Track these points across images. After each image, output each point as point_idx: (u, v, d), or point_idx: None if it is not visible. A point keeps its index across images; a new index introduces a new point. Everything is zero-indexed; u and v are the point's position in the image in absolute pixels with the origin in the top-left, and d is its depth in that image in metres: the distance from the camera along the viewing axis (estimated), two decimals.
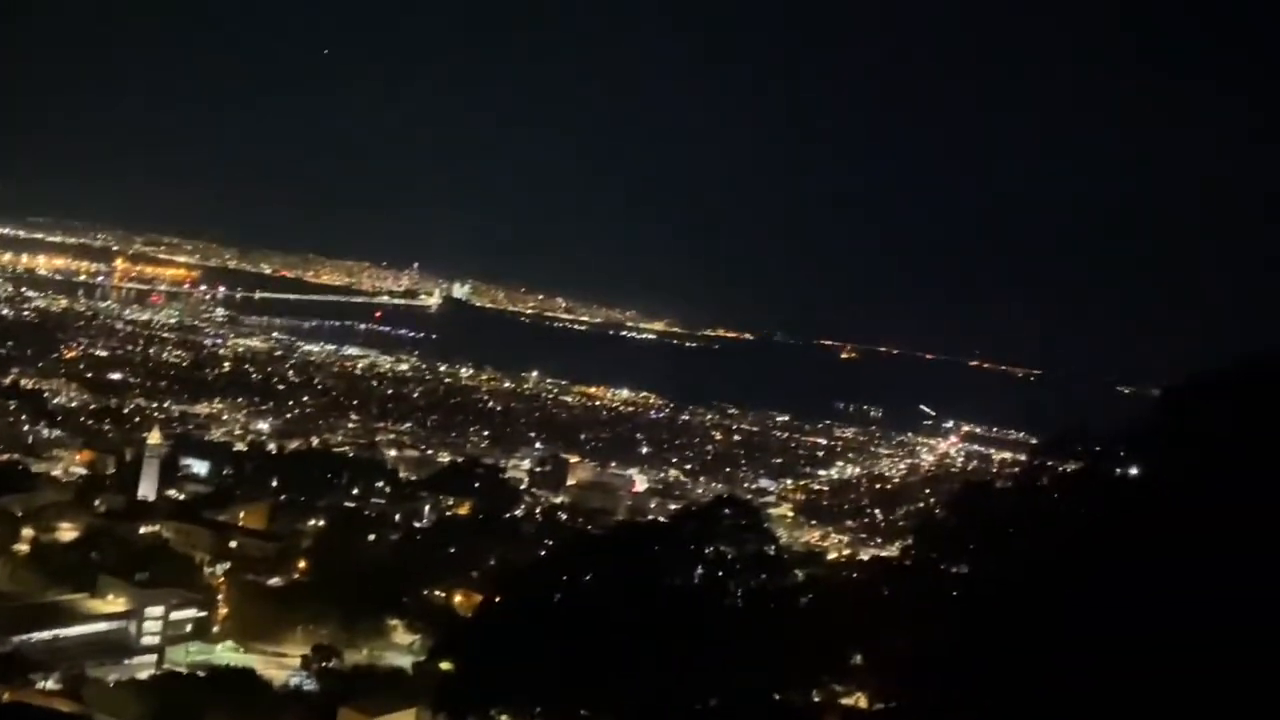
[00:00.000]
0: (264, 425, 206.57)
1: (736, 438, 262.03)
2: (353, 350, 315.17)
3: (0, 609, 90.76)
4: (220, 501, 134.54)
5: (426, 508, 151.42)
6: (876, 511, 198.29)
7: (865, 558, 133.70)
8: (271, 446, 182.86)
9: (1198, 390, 35.67)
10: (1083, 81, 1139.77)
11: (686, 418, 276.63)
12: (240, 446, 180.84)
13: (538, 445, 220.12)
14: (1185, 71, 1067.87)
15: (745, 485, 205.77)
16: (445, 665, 60.56)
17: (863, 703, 46.41)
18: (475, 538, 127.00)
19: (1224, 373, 35.06)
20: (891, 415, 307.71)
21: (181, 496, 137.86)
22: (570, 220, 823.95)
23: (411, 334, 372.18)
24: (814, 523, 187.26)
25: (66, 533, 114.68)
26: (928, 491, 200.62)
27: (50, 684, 79.61)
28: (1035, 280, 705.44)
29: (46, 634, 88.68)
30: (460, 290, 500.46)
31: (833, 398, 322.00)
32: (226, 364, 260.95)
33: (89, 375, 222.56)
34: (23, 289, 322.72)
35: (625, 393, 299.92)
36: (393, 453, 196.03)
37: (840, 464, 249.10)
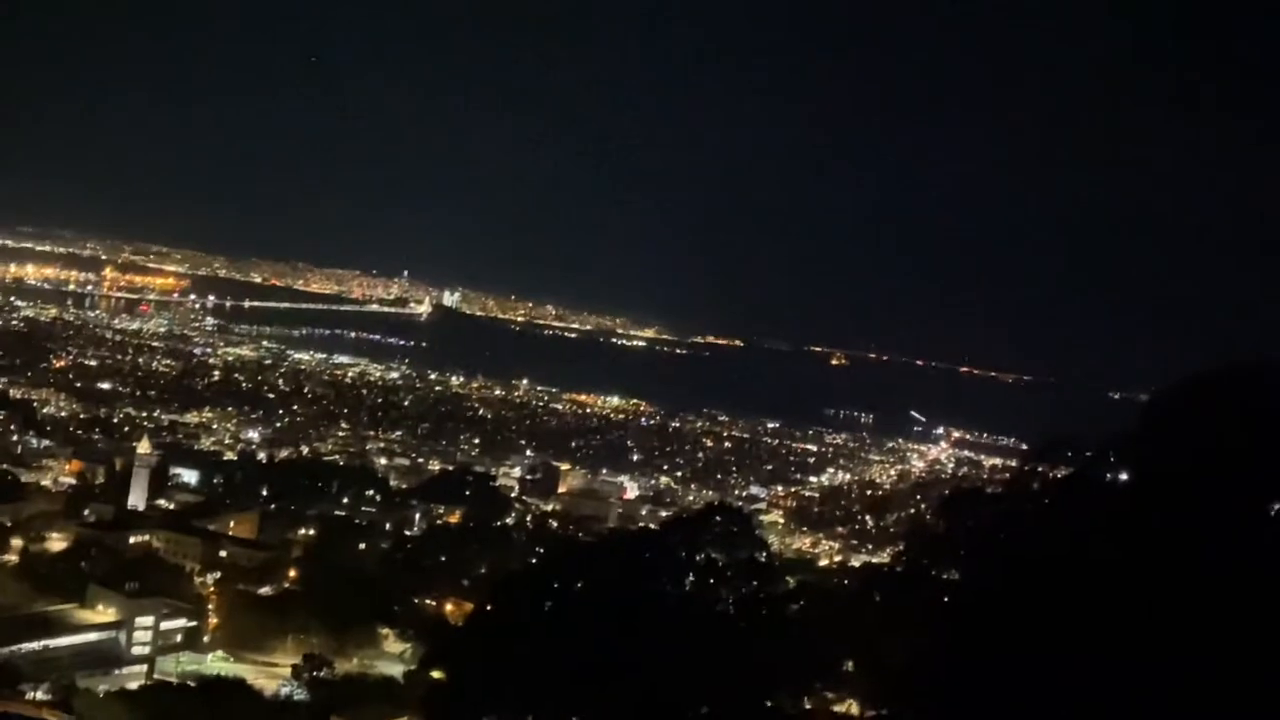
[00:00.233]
0: (254, 434, 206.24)
1: (727, 445, 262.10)
2: (343, 358, 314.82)
3: None
4: (210, 511, 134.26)
5: (417, 516, 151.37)
6: (867, 518, 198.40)
7: (856, 564, 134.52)
8: (261, 455, 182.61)
9: (1186, 395, 35.82)
10: (1075, 88, 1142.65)
11: (677, 425, 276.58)
12: (230, 455, 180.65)
13: (528, 453, 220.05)
14: (1182, 79, 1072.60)
15: (736, 492, 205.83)
16: (436, 674, 60.56)
17: (855, 710, 46.51)
18: (466, 546, 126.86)
19: (1211, 378, 35.24)
20: (882, 421, 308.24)
21: (171, 506, 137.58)
22: (560, 228, 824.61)
23: (402, 342, 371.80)
24: (805, 529, 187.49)
25: (56, 543, 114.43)
26: (918, 498, 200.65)
27: (40, 695, 79.33)
28: (1025, 287, 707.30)
29: (36, 644, 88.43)
30: (450, 298, 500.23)
31: (823, 404, 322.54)
32: (216, 373, 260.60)
33: (78, 385, 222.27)
34: (11, 298, 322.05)
35: (616, 400, 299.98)
36: (383, 461, 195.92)
37: (831, 470, 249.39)
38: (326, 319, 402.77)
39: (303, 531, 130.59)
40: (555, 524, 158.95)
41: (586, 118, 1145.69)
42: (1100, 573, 29.23)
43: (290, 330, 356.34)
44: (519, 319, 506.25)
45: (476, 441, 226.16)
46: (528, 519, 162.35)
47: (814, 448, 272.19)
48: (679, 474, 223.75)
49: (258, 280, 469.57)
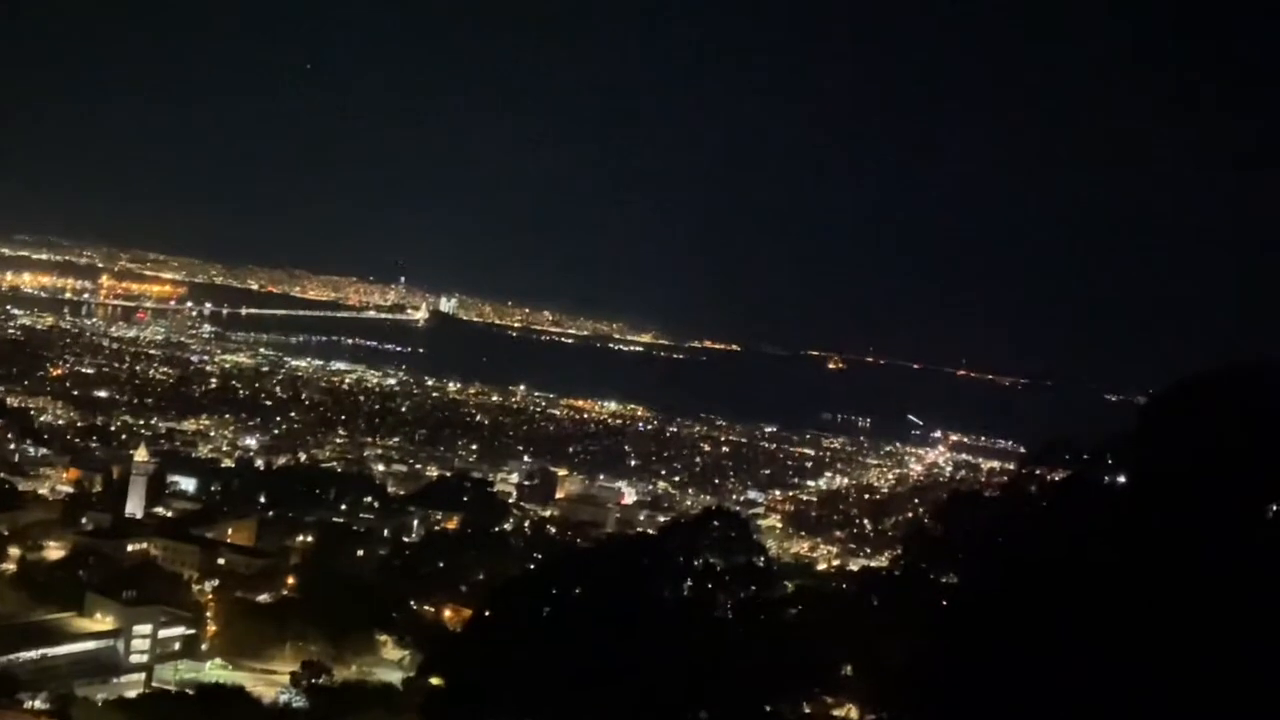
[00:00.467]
0: (251, 441, 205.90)
1: (724, 449, 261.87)
2: (340, 365, 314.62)
3: None
4: (208, 518, 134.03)
5: (415, 522, 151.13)
6: (865, 522, 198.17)
7: (854, 568, 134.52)
8: (259, 462, 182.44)
9: (1183, 396, 35.84)
10: (1072, 92, 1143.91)
11: (674, 430, 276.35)
12: (228, 463, 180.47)
13: (526, 459, 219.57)
14: (1182, 79, 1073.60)
15: (734, 497, 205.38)
16: (435, 680, 60.54)
17: (853, 714, 46.45)
18: (464, 552, 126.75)
19: (1209, 378, 35.26)
20: (879, 425, 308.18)
21: (169, 514, 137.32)
22: (557, 232, 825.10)
23: (399, 348, 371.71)
24: (803, 533, 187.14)
25: (54, 551, 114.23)
26: (916, 501, 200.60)
27: (38, 703, 79.12)
28: (1023, 289, 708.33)
29: (34, 653, 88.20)
30: (447, 304, 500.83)
31: (820, 408, 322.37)
32: (213, 380, 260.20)
33: (75, 393, 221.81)
34: (8, 307, 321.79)
35: (613, 405, 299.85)
36: (381, 467, 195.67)
37: (829, 474, 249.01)
38: (323, 325, 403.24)
39: (301, 538, 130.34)
40: (553, 529, 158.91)
41: (585, 119, 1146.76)
42: (1099, 575, 29.25)
43: (287, 337, 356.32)
44: (516, 324, 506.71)
45: (474, 447, 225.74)
46: (526, 525, 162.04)
47: (811, 452, 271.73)
48: (676, 479, 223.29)
49: (255, 287, 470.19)
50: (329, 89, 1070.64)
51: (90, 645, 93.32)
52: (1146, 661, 26.31)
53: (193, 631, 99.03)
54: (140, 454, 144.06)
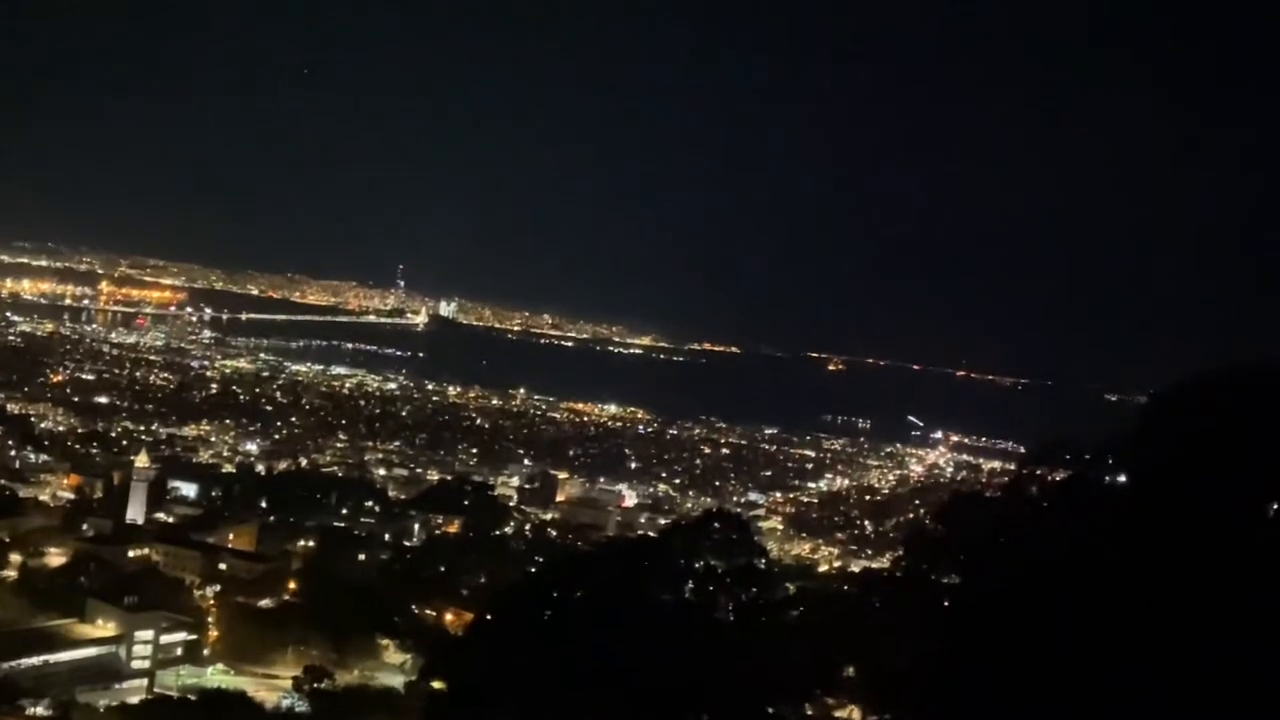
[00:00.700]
0: (252, 446, 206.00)
1: (725, 451, 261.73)
2: (340, 369, 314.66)
3: None
4: (209, 523, 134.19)
5: (416, 526, 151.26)
6: (866, 523, 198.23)
7: (856, 569, 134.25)
8: (260, 467, 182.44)
9: (1184, 396, 35.80)
10: (1071, 92, 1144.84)
11: (674, 432, 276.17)
12: (228, 468, 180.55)
13: (526, 462, 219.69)
14: (1182, 79, 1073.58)
15: (734, 499, 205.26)
16: (437, 684, 60.41)
17: (856, 716, 46.38)
18: (465, 556, 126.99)
19: (1210, 379, 35.20)
20: (880, 426, 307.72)
21: (170, 519, 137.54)
22: (556, 235, 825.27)
23: (399, 352, 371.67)
24: (804, 535, 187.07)
25: (55, 557, 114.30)
26: (917, 502, 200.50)
27: (40, 710, 79.33)
28: (1022, 289, 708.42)
29: (36, 659, 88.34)
30: (447, 308, 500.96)
31: (821, 410, 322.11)
32: (214, 385, 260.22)
33: (75, 399, 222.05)
34: (7, 313, 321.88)
35: (613, 408, 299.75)
36: (381, 472, 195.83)
37: (829, 476, 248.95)
38: (323, 330, 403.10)
39: (302, 543, 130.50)
40: (554, 533, 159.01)
41: (585, 120, 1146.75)
42: (1100, 575, 29.23)
43: (287, 342, 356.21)
44: (515, 328, 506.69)
45: (474, 451, 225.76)
46: (526, 528, 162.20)
47: (812, 453, 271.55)
48: (677, 481, 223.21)
49: (254, 292, 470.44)
50: (328, 93, 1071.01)
51: (92, 651, 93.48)
52: (1148, 661, 26.31)
53: (194, 637, 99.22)
54: (141, 460, 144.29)
